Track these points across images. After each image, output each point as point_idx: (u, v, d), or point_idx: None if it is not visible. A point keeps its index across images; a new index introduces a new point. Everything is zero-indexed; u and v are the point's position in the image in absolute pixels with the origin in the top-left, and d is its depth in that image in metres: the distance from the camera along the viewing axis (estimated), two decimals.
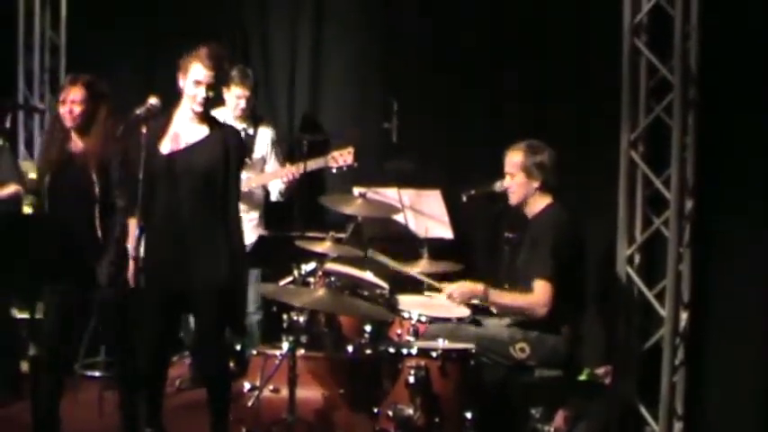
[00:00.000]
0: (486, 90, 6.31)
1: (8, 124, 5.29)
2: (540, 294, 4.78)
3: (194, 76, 4.69)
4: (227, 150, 4.71)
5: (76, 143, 5.08)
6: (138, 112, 4.60)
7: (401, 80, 6.49)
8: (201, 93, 4.68)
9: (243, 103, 6.25)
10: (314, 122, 6.88)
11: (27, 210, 5.81)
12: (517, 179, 4.97)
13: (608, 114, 5.71)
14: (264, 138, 6.41)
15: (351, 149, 5.97)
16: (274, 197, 6.36)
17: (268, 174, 6.34)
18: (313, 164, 5.98)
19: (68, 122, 5.06)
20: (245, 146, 5.02)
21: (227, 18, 7.26)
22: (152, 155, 4.61)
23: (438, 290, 5.09)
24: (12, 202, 5.62)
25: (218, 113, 5.75)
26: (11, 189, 5.62)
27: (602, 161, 5.79)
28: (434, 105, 6.40)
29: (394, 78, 6.55)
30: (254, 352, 5.25)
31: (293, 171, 6.07)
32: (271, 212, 6.43)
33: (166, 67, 5.00)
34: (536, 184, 4.95)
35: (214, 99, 4.91)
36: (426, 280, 5.17)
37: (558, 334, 4.84)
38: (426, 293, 5.31)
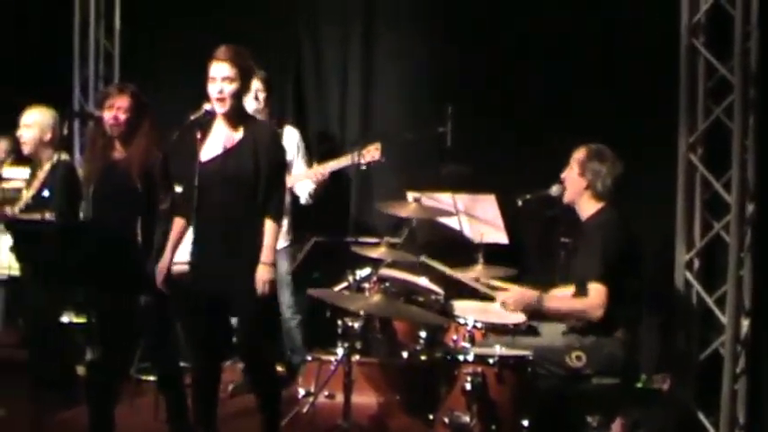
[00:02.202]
0: (541, 94, 6.23)
1: (65, 132, 5.32)
2: (594, 297, 4.71)
3: (209, 73, 4.67)
4: (258, 150, 4.67)
5: (119, 151, 5.13)
6: (192, 117, 4.63)
7: (456, 84, 6.43)
8: (216, 88, 4.64)
9: (251, 99, 5.99)
10: None
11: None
12: (572, 173, 4.95)
13: (664, 116, 5.62)
14: (290, 139, 6.31)
15: (377, 145, 5.94)
16: (303, 200, 6.30)
17: (295, 176, 6.26)
18: (341, 162, 5.96)
19: (112, 129, 5.10)
20: (279, 143, 4.92)
21: (278, 28, 7.25)
22: (194, 161, 4.64)
23: (491, 298, 5.02)
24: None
25: None
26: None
27: (659, 164, 5.70)
28: (489, 109, 6.33)
29: (448, 82, 6.50)
30: (309, 358, 5.21)
31: (321, 170, 6.02)
32: (301, 218, 6.39)
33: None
34: (584, 185, 4.89)
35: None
36: (480, 287, 5.09)
37: (614, 337, 4.75)
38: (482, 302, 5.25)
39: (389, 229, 5.77)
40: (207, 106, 4.66)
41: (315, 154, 6.50)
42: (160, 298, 4.93)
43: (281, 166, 4.81)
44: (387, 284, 5.18)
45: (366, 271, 5.23)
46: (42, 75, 7.68)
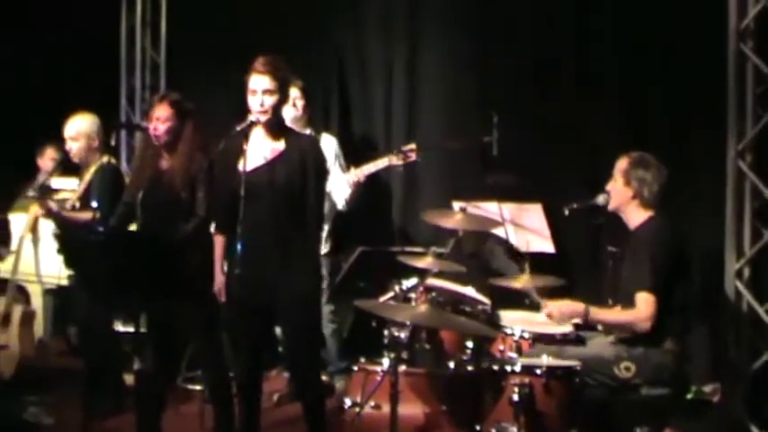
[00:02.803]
0: (587, 102, 6.20)
1: (113, 142, 5.38)
2: (642, 308, 4.66)
3: (249, 86, 4.69)
4: (305, 161, 4.70)
5: (167, 159, 5.17)
6: (239, 128, 4.63)
7: (502, 93, 6.41)
8: (257, 101, 4.65)
9: (290, 107, 5.92)
10: None
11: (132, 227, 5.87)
12: (616, 184, 4.90)
13: (713, 123, 5.55)
14: (327, 147, 6.23)
15: (413, 146, 5.94)
16: (340, 206, 6.28)
17: (331, 182, 6.17)
18: (377, 164, 5.97)
19: (155, 139, 5.15)
20: (322, 152, 4.93)
21: (322, 34, 7.28)
22: (237, 172, 4.65)
23: (538, 307, 4.99)
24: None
25: None
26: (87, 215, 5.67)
27: (708, 172, 5.64)
28: (534, 118, 6.29)
29: (494, 91, 6.47)
30: (355, 368, 5.20)
31: (357, 174, 6.04)
32: (347, 227, 6.39)
33: None
34: (630, 194, 4.84)
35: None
36: (532, 294, 5.04)
37: (663, 348, 4.70)
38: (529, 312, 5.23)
39: (435, 239, 5.73)
40: (252, 116, 4.68)
41: (359, 160, 6.50)
42: (207, 307, 4.96)
43: (323, 175, 4.86)
44: (433, 294, 5.16)
45: (412, 281, 5.20)
46: (89, 85, 7.77)
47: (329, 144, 6.33)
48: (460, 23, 6.74)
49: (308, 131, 6.12)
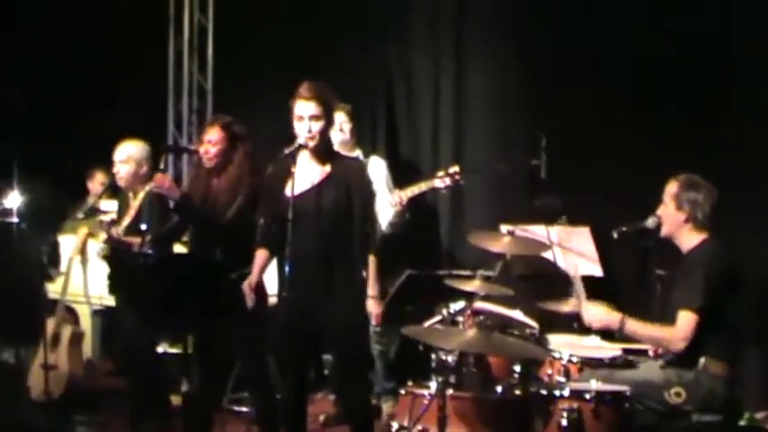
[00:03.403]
0: (634, 124, 6.17)
1: (162, 165, 5.46)
2: (681, 326, 4.58)
3: (296, 112, 4.72)
4: (350, 185, 4.73)
5: (216, 183, 5.25)
6: (286, 151, 4.68)
7: (549, 116, 6.40)
8: (304, 127, 4.68)
9: (336, 131, 5.99)
10: None
11: (181, 248, 5.93)
12: (668, 209, 4.83)
13: (762, 141, 5.48)
14: (376, 169, 6.29)
15: (456, 168, 5.94)
16: (384, 228, 6.26)
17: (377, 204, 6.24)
18: (421, 187, 5.98)
19: (205, 162, 5.23)
20: (368, 176, 4.97)
21: (370, 59, 7.32)
22: (281, 196, 4.69)
23: (587, 331, 4.96)
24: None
25: None
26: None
27: (759, 191, 5.56)
28: (583, 140, 6.28)
29: (542, 113, 6.47)
30: (402, 391, 5.20)
31: (400, 197, 6.05)
32: (394, 251, 6.19)
33: None
34: (683, 218, 4.78)
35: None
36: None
37: (714, 373, 4.62)
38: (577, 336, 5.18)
39: (483, 262, 5.73)
40: (300, 140, 4.71)
41: (405, 182, 6.51)
42: (253, 328, 4.98)
43: (370, 198, 4.87)
44: (481, 318, 5.13)
45: (460, 304, 5.18)
46: (136, 109, 7.87)
47: (378, 166, 6.35)
48: (508, 45, 6.77)
49: (355, 154, 6.16)
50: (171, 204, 5.22)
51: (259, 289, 4.96)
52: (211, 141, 5.23)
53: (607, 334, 5.00)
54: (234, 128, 5.32)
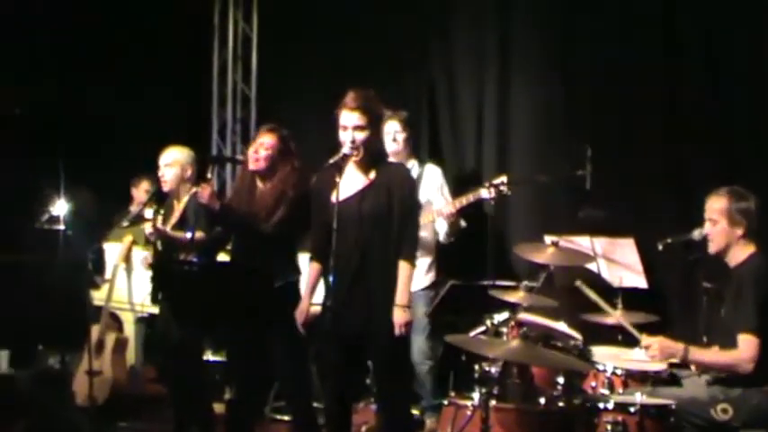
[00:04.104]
0: (679, 136, 6.15)
1: (209, 174, 5.51)
2: (744, 349, 4.54)
3: (340, 121, 4.72)
4: (391, 190, 4.70)
5: (258, 191, 5.27)
6: (331, 161, 4.69)
7: (594, 125, 6.38)
8: (348, 136, 4.68)
9: (390, 141, 6.05)
10: None
11: (224, 257, 5.98)
12: (719, 226, 4.73)
13: None
14: (431, 177, 6.29)
15: (504, 178, 5.93)
16: (441, 238, 6.28)
17: (435, 212, 6.20)
18: (469, 197, 5.97)
19: (252, 164, 5.24)
20: (412, 183, 4.95)
21: (413, 68, 7.33)
22: (326, 204, 4.70)
23: (632, 343, 4.92)
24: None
25: None
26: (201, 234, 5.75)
27: None
28: (628, 151, 6.25)
29: (587, 123, 6.45)
30: (445, 402, 5.20)
31: (450, 208, 6.03)
32: (460, 258, 6.37)
33: None
34: (739, 232, 4.70)
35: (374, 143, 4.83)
36: (627, 326, 4.99)
37: (762, 389, 4.57)
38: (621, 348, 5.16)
39: (527, 273, 5.74)
40: (346, 149, 4.71)
41: (451, 194, 6.52)
42: (296, 337, 5.01)
43: (413, 206, 4.82)
44: (524, 329, 5.10)
45: (503, 315, 5.17)
46: (180, 118, 7.95)
47: (433, 174, 6.33)
48: (551, 54, 6.75)
49: (410, 165, 6.15)
50: (212, 215, 5.27)
51: (296, 297, 4.99)
52: (263, 144, 5.26)
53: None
54: (289, 142, 5.35)
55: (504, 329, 5.13)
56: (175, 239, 5.68)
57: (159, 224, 5.75)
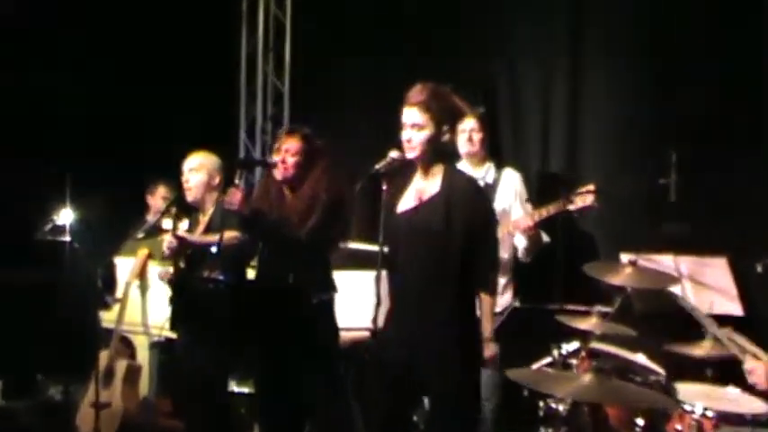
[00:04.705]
0: None
1: (237, 181, 5.51)
2: None
3: (402, 118, 4.69)
4: (458, 206, 4.64)
5: (288, 199, 5.33)
6: (377, 166, 4.67)
7: (679, 129, 6.30)
8: (405, 135, 4.65)
9: (465, 140, 6.05)
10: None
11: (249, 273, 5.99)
12: None
13: None
14: (509, 185, 6.26)
15: (591, 187, 5.89)
16: (520, 254, 6.24)
17: (502, 227, 6.05)
18: (550, 210, 5.93)
19: (280, 173, 5.32)
20: (482, 198, 4.87)
21: (468, 63, 7.27)
22: (389, 215, 4.68)
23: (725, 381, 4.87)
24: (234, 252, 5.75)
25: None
26: (233, 233, 5.73)
27: None
28: (719, 157, 6.18)
29: (671, 125, 6.37)
30: None
31: (527, 222, 5.99)
32: (523, 278, 6.30)
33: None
34: None
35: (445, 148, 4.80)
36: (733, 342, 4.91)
37: None
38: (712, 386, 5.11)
39: (600, 296, 5.65)
40: (393, 153, 4.70)
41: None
42: (333, 365, 5.05)
43: (485, 225, 4.71)
44: (597, 361, 5.08)
45: (573, 345, 5.18)
46: (204, 116, 7.96)
47: (512, 180, 6.30)
48: (627, 48, 6.70)
49: (485, 168, 6.14)
50: (241, 222, 5.30)
51: (332, 319, 5.00)
52: (289, 151, 5.34)
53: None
54: (314, 141, 5.41)
55: (574, 361, 5.17)
56: (203, 245, 5.70)
57: (182, 232, 5.77)
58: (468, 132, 6.08)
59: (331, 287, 5.32)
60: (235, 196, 5.22)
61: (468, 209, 4.64)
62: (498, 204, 6.06)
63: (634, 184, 6.25)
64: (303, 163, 5.33)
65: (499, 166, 6.31)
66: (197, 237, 5.84)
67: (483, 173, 6.18)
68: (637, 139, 6.60)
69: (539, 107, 7.05)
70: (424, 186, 4.74)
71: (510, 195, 6.23)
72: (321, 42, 8.14)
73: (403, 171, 4.74)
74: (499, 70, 7.27)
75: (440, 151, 4.72)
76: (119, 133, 7.82)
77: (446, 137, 4.73)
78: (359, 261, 6.06)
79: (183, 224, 5.99)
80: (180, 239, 5.75)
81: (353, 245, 5.82)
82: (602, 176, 6.55)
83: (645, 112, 6.59)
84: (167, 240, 5.82)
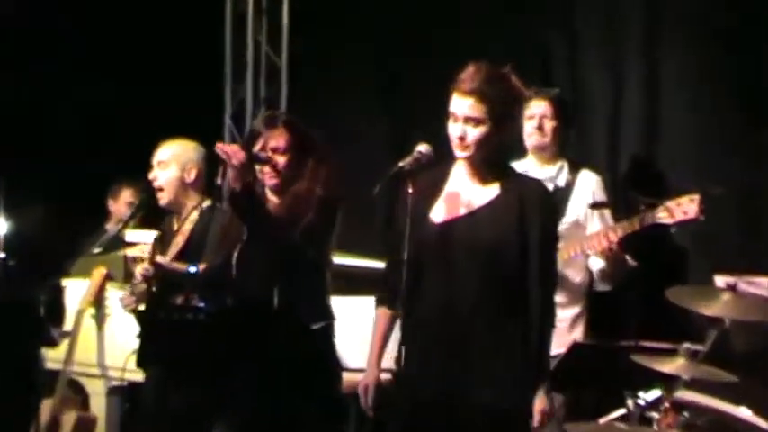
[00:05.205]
0: None
1: (219, 180, 5.46)
2: None
3: (450, 107, 4.65)
4: (524, 215, 4.61)
5: (273, 202, 5.41)
6: (401, 163, 4.63)
7: None
8: (456, 130, 4.61)
9: (533, 129, 6.04)
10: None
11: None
12: None
13: None
14: (584, 188, 6.22)
15: (694, 197, 5.84)
16: (597, 278, 6.22)
17: (573, 243, 6.11)
18: (633, 224, 5.90)
19: (266, 180, 5.38)
20: (554, 209, 4.89)
21: (509, 33, 7.38)
22: (420, 223, 4.63)
23: None
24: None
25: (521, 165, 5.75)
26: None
27: None
28: None
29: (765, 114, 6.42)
30: None
31: (608, 237, 5.95)
32: (598, 308, 6.30)
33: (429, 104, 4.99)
34: None
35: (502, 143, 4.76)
36: None
37: None
38: None
39: (689, 330, 5.62)
40: (421, 147, 4.66)
41: None
42: (336, 402, 5.22)
43: (553, 241, 4.77)
44: (686, 415, 5.06)
45: (654, 393, 5.09)
46: (179, 97, 7.95)
47: (589, 183, 6.26)
48: (716, 26, 6.71)
49: (558, 166, 6.13)
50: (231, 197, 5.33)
51: (331, 348, 5.18)
52: (278, 150, 5.35)
53: None
54: (299, 127, 5.44)
55: (656, 414, 5.08)
56: (178, 274, 5.75)
57: (158, 257, 5.80)
58: (537, 119, 6.04)
59: (329, 312, 5.41)
60: (236, 155, 5.16)
61: (543, 221, 4.66)
62: (571, 214, 6.09)
63: (728, 186, 6.18)
64: (294, 159, 5.35)
65: (574, 167, 6.26)
66: (175, 264, 5.85)
67: (554, 172, 6.15)
68: (728, 132, 6.64)
69: (606, 98, 7.13)
70: (475, 190, 4.71)
71: (584, 202, 6.18)
72: (324, 7, 8.22)
73: (430, 169, 4.70)
74: (554, 41, 7.37)
75: (500, 150, 4.71)
76: (72, 123, 7.95)
77: (507, 133, 4.71)
78: (351, 282, 6.13)
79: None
80: (158, 267, 5.77)
81: (341, 259, 5.85)
82: (685, 178, 6.56)
83: (737, 99, 6.65)
84: (142, 267, 5.83)
